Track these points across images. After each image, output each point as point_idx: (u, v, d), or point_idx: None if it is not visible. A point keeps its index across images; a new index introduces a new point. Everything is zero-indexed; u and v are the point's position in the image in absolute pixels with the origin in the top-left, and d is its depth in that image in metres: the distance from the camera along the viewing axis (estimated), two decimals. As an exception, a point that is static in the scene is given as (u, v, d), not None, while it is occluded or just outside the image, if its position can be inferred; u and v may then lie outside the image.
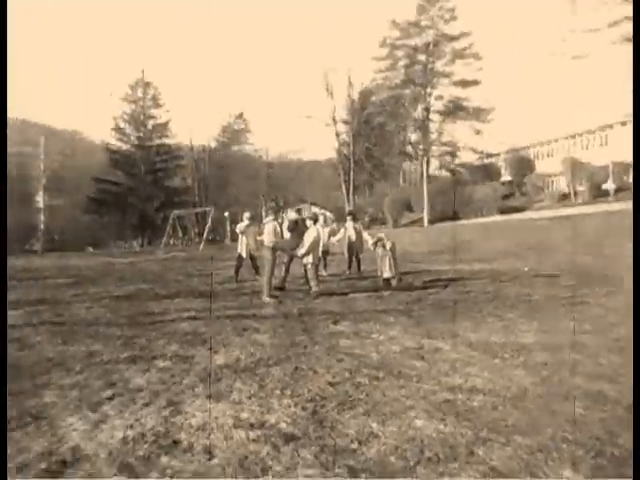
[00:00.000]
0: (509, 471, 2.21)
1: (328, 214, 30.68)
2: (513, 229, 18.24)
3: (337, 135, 31.02)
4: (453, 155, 40.29)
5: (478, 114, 37.31)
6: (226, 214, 26.89)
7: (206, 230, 23.14)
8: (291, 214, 8.98)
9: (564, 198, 22.24)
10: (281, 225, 7.80)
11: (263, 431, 2.64)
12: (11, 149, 49.52)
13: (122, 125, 42.42)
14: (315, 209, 39.61)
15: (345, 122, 32.26)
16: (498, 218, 21.18)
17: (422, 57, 39.86)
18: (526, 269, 10.43)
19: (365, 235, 9.61)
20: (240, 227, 8.87)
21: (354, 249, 9.89)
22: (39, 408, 3.01)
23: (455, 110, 38.33)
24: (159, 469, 2.26)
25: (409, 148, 40.02)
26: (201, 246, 22.47)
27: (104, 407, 3.02)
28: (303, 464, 2.29)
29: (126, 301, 7.11)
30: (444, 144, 40.31)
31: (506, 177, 30.90)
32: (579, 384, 3.33)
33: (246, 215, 8.84)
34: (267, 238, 7.30)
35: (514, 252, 13.95)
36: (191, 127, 70.78)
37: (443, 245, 17.00)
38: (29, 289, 8.56)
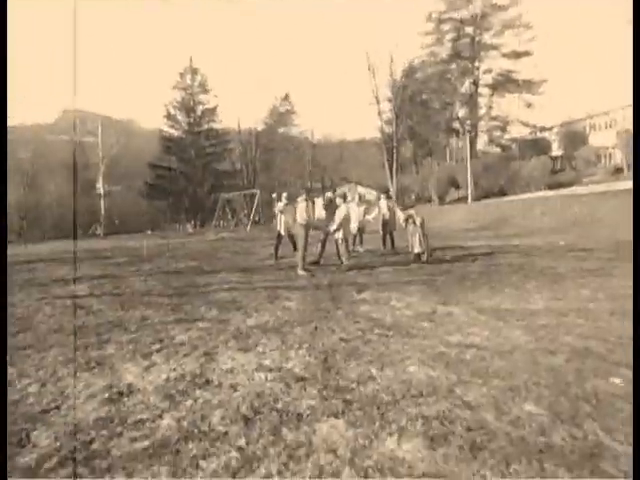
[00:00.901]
0: (477, 404, 2.63)
1: (373, 193, 30.94)
2: (560, 204, 17.81)
3: (380, 114, 30.85)
4: (503, 129, 39.12)
5: (529, 86, 35.93)
6: (273, 195, 27.42)
7: (252, 212, 23.97)
8: (336, 193, 9.35)
9: (617, 172, 21.28)
10: (313, 204, 8.26)
11: (279, 374, 3.18)
12: (71, 138, 52.64)
13: (173, 112, 44.04)
14: (360, 188, 39.95)
15: (389, 100, 32.03)
16: (546, 193, 20.61)
17: (469, 30, 38.68)
18: (562, 243, 10.41)
19: (398, 212, 9.92)
20: (278, 207, 9.39)
21: (388, 226, 10.24)
22: (102, 358, 3.68)
23: (505, 83, 37.09)
24: (193, 398, 2.83)
25: (456, 124, 39.18)
26: (248, 227, 23.36)
27: (153, 357, 3.65)
28: (307, 397, 2.81)
29: (175, 275, 7.88)
30: (493, 118, 39.19)
31: (557, 151, 29.75)
32: (569, 342, 3.64)
33: (284, 195, 9.33)
34: (300, 216, 7.82)
35: (557, 227, 13.79)
36: (238, 111, 72.24)
37: (485, 221, 16.95)
38: (92, 267, 9.56)
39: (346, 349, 3.64)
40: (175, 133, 43.86)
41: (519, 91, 35.86)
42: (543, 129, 35.81)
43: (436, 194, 28.54)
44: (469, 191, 24.33)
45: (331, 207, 8.62)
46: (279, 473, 2.04)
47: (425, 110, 37.42)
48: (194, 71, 43.34)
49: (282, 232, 9.51)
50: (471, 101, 39.22)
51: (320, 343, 3.81)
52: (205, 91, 43.82)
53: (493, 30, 37.10)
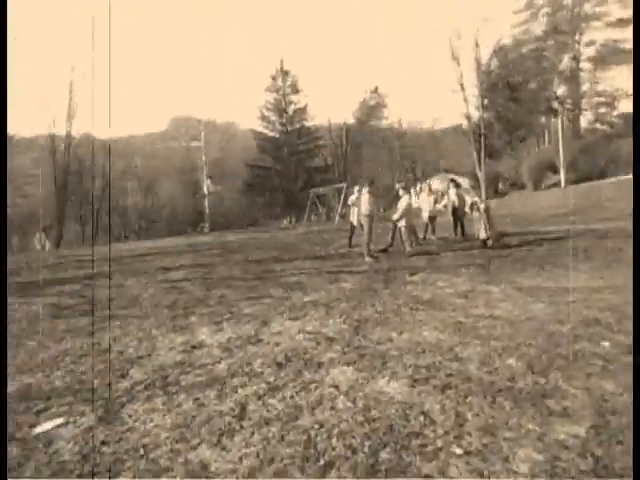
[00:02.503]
0: (467, 359, 3.12)
1: (465, 180, 30.24)
2: (667, 184, 16.25)
3: (465, 101, 29.99)
4: (610, 105, 35.84)
5: (639, 55, 32.49)
6: (355, 188, 28.01)
7: (339, 205, 24.75)
8: (399, 185, 9.76)
9: None
10: (376, 195, 8.79)
11: (315, 336, 3.89)
12: (179, 144, 57.57)
13: (266, 113, 46.29)
14: (451, 176, 39.01)
15: (476, 86, 31.00)
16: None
17: (567, 1, 35.98)
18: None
19: (467, 200, 10.06)
20: (351, 199, 10.02)
21: (458, 214, 10.41)
22: (185, 324, 4.65)
23: (610, 54, 33.94)
24: (244, 351, 3.64)
25: (555, 104, 36.68)
26: (336, 220, 24.17)
27: (223, 323, 4.55)
28: (331, 351, 3.48)
29: (256, 263, 8.89)
30: (599, 94, 36.06)
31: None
32: (585, 314, 3.90)
33: (356, 188, 9.93)
34: (364, 207, 8.42)
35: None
36: (328, 107, 73.67)
37: (576, 206, 16.10)
38: (190, 257, 11.01)
39: (378, 319, 4.25)
40: (269, 133, 46.05)
41: (628, 62, 32.61)
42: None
43: (530, 179, 27.18)
44: (562, 174, 22.92)
45: (398, 197, 9.12)
46: (291, 397, 2.74)
47: (519, 92, 35.48)
48: (285, 73, 45.16)
49: (355, 222, 10.13)
50: (571, 77, 36.49)
51: (357, 314, 4.45)
52: (296, 91, 45.45)
53: (594, -1, 34.16)
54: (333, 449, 2.15)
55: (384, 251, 9.10)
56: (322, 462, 2.05)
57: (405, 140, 43.13)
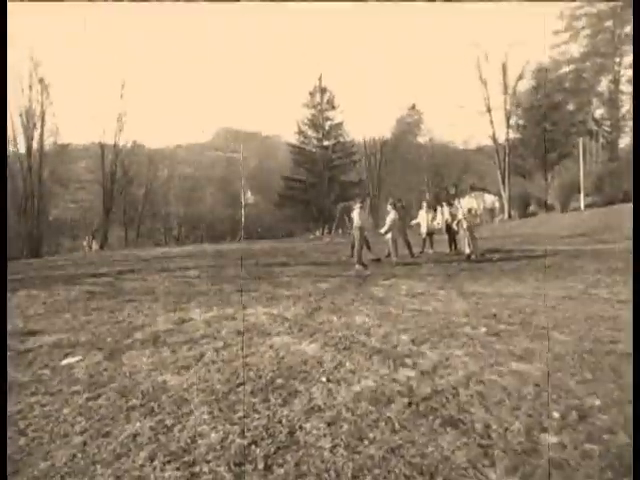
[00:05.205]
0: (374, 334, 4.19)
1: (492, 198, 30.60)
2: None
3: (491, 122, 30.70)
4: (652, 128, 35.34)
5: (681, 78, 32.10)
6: (404, 203, 29.18)
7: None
8: (389, 202, 10.78)
9: None
10: (366, 210, 9.85)
11: (275, 317, 5.04)
12: (223, 154, 60.18)
13: (303, 128, 48.00)
14: (486, 196, 39.35)
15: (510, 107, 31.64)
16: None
17: (609, 23, 36.03)
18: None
19: (461, 217, 10.94)
20: (353, 213, 11.12)
21: (452, 231, 11.32)
22: (184, 308, 5.88)
23: (651, 77, 33.64)
24: (219, 324, 4.83)
25: (592, 125, 36.62)
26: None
27: (212, 308, 5.76)
28: (282, 326, 4.62)
29: (262, 266, 10.12)
30: (639, 117, 35.63)
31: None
32: (485, 310, 4.88)
33: (357, 205, 10.99)
34: (355, 220, 9.53)
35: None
36: (363, 124, 75.15)
37: (588, 228, 16.60)
38: (210, 260, 12.42)
39: (330, 308, 5.36)
40: (306, 147, 47.66)
41: (669, 85, 32.25)
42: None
43: (558, 200, 27.41)
44: (581, 197, 23.21)
45: (400, 212, 10.18)
46: (236, 351, 3.90)
47: (556, 113, 35.64)
48: (323, 90, 46.79)
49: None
50: (610, 99, 36.40)
51: (316, 304, 5.58)
52: (332, 108, 46.96)
53: (638, 20, 34.02)
54: (249, 378, 3.29)
55: (377, 260, 10.14)
56: (238, 382, 3.20)
57: (437, 158, 43.77)
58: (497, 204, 36.84)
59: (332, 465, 2.14)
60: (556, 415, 2.54)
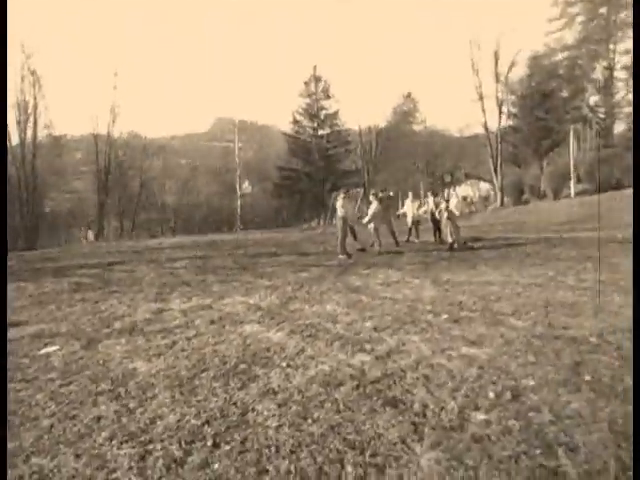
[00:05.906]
0: (340, 321, 4.37)
1: (487, 186, 30.73)
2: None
3: (483, 110, 30.72)
4: (647, 114, 35.28)
5: (677, 63, 32.00)
6: (391, 193, 29.41)
7: (356, 208, 26.04)
8: (371, 192, 10.97)
9: None
10: (358, 199, 10.02)
11: (250, 306, 5.22)
12: (218, 144, 60.03)
13: (299, 118, 47.87)
14: (482, 184, 39.44)
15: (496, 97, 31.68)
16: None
17: (603, 10, 35.86)
18: (620, 236, 10.59)
19: (442, 207, 11.11)
20: (338, 203, 11.26)
21: (436, 220, 11.48)
22: (168, 298, 6.06)
23: (647, 63, 33.52)
24: (195, 314, 5.01)
25: (586, 112, 36.60)
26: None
27: (193, 298, 5.94)
28: (254, 315, 4.80)
29: (250, 257, 10.31)
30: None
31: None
32: (452, 297, 5.07)
33: (341, 195, 11.12)
34: (338, 210, 9.70)
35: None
36: (359, 112, 74.96)
37: (577, 216, 16.78)
38: (200, 250, 12.59)
39: (304, 298, 5.55)
40: (301, 137, 47.56)
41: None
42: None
43: (550, 188, 27.52)
44: (572, 185, 23.36)
45: (384, 202, 10.33)
46: (207, 338, 4.08)
47: (550, 100, 35.58)
48: (317, 79, 46.59)
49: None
50: (605, 86, 36.35)
51: (292, 294, 5.76)
52: (328, 97, 46.79)
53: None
54: (214, 364, 3.46)
55: (362, 250, 10.32)
56: (202, 368, 3.38)
57: (432, 146, 43.76)
58: (492, 192, 37.02)
59: (274, 442, 2.32)
60: (491, 395, 2.73)
